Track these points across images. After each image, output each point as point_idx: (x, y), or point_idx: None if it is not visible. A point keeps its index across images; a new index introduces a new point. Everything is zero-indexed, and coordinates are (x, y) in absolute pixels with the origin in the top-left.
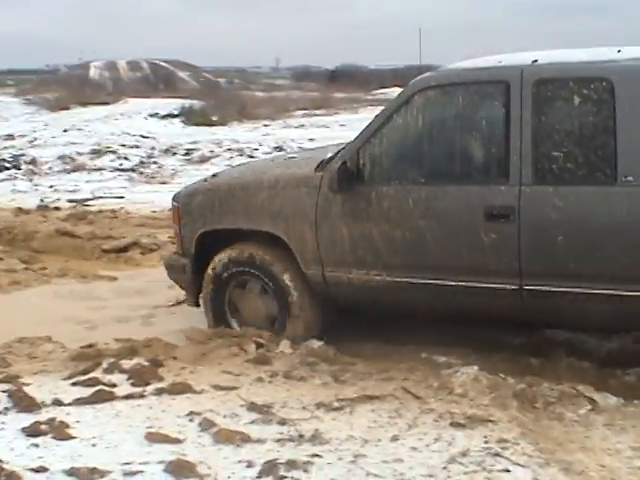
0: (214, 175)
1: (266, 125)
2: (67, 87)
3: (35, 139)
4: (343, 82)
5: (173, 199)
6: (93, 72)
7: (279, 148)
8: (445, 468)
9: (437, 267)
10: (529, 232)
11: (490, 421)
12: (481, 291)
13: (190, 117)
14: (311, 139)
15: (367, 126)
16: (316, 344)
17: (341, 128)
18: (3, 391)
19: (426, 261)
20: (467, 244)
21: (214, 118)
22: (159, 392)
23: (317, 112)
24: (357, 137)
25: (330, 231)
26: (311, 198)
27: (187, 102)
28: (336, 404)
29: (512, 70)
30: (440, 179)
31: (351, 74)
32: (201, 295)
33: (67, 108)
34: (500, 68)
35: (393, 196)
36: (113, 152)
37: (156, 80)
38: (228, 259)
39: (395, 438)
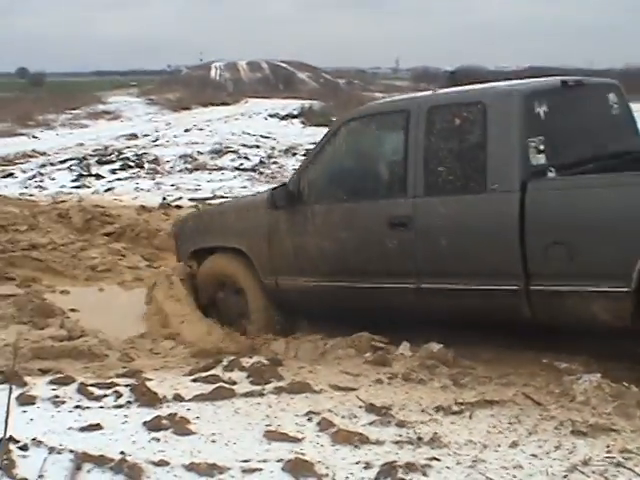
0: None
1: None
2: (188, 87)
3: (157, 138)
4: (463, 83)
5: (172, 226)
6: (214, 73)
7: None
8: (566, 477)
9: (355, 272)
10: (422, 237)
11: (613, 430)
12: (389, 291)
13: (310, 118)
14: None
15: (308, 154)
16: (435, 347)
17: None
18: (126, 385)
19: (347, 267)
20: (376, 251)
21: (334, 119)
22: (278, 391)
23: None
24: (301, 163)
25: (279, 245)
26: (266, 218)
27: (307, 103)
28: (455, 408)
29: (413, 100)
30: (357, 196)
31: (471, 75)
32: None
33: (188, 108)
34: (404, 99)
35: (323, 212)
36: (234, 152)
37: (276, 81)
38: (208, 271)
39: (515, 444)
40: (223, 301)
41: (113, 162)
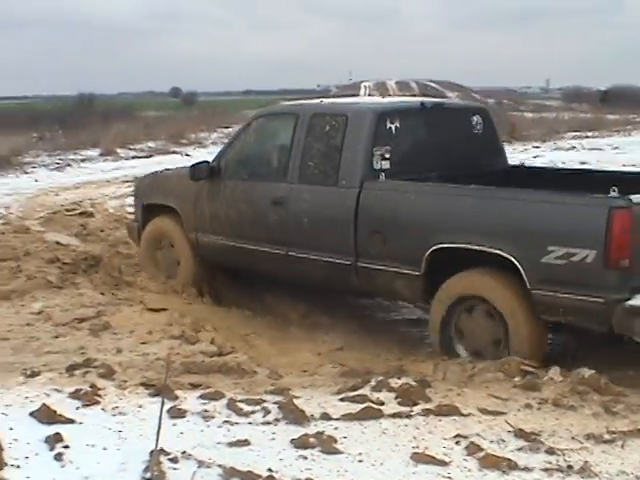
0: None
1: (536, 147)
2: None
3: None
4: (616, 103)
5: (134, 183)
6: (363, 92)
7: None
8: None
9: (248, 236)
10: (292, 215)
11: None
12: (269, 255)
13: None
14: (583, 162)
15: (230, 138)
16: (587, 372)
17: (614, 151)
18: (274, 402)
19: (243, 231)
20: (262, 221)
21: None
22: (426, 413)
23: (589, 134)
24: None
25: (200, 208)
26: (194, 185)
27: None
28: (607, 436)
29: (302, 106)
30: (254, 177)
31: (624, 95)
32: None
33: None
34: (298, 104)
35: (231, 187)
36: None
37: None
38: (152, 228)
39: None
40: (162, 255)
41: None
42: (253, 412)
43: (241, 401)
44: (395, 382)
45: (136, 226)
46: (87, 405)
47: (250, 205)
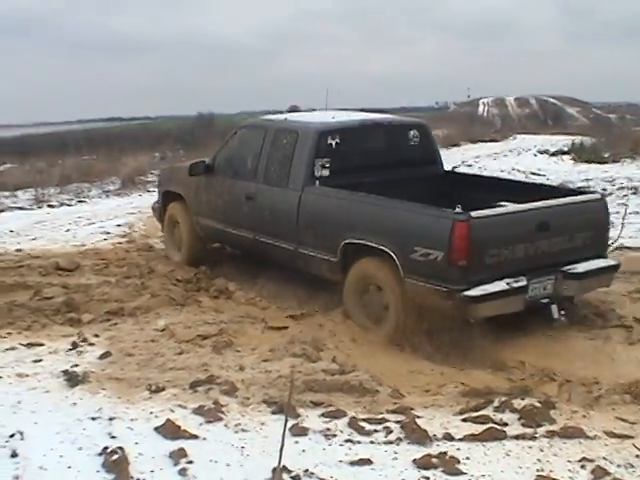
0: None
1: None
2: (456, 124)
3: None
4: None
5: (157, 174)
6: (481, 109)
7: None
8: None
9: (228, 221)
10: (258, 208)
11: None
12: (243, 238)
13: (580, 154)
14: None
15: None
16: None
17: None
18: (396, 421)
19: (226, 218)
20: (239, 211)
21: (605, 155)
22: (550, 435)
23: None
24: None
25: (200, 196)
26: (195, 178)
27: (577, 139)
28: None
29: (271, 122)
30: (235, 176)
31: None
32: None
33: (457, 145)
34: (268, 120)
35: (220, 181)
36: None
37: (544, 116)
38: (169, 213)
39: None
40: (175, 233)
41: None
42: (375, 431)
43: (363, 420)
44: (518, 403)
45: (158, 208)
46: (210, 421)
47: (232, 197)
